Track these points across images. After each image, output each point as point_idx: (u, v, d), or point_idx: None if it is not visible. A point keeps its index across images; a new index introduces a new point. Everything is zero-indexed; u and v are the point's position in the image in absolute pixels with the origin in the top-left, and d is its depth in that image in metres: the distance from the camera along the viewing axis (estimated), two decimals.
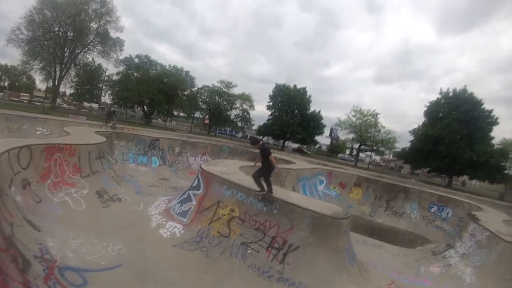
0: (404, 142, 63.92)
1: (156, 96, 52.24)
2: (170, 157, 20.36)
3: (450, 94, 46.19)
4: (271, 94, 62.86)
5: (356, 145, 64.85)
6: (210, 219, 8.71)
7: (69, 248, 6.85)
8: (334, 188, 20.76)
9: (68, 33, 46.87)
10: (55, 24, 45.76)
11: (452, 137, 42.32)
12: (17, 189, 7.83)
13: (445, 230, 15.53)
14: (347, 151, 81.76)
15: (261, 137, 68.16)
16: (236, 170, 11.43)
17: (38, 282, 5.27)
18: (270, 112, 63.46)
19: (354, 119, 60.34)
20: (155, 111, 60.62)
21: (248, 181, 9.42)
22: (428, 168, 49.78)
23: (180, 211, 9.57)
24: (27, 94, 62.21)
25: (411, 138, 49.29)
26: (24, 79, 73.71)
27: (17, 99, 53.09)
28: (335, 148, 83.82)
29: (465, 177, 51.44)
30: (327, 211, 7.78)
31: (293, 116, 61.51)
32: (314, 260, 7.22)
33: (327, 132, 71.70)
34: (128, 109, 60.49)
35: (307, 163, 27.00)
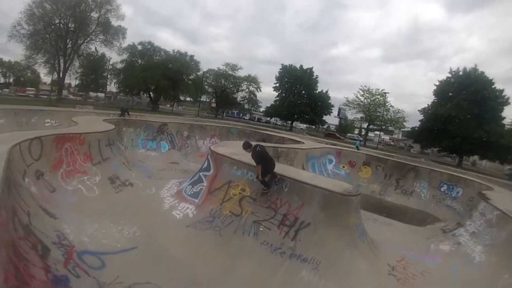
0: (413, 121, 63.03)
1: (162, 82, 52.20)
2: (179, 141, 20.45)
3: (460, 73, 45.00)
4: (277, 75, 62.18)
5: (365, 125, 64.36)
6: (221, 199, 8.81)
7: (86, 233, 7.03)
8: (344, 167, 20.68)
9: (69, 25, 46.48)
10: (55, 17, 45.36)
11: (462, 116, 41.49)
12: (31, 180, 7.95)
13: (455, 209, 15.39)
14: (356, 131, 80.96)
15: (274, 122, 67.93)
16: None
17: (58, 267, 5.43)
18: (277, 93, 62.99)
19: (362, 99, 59.80)
20: (162, 97, 60.65)
21: None
22: (438, 148, 49.12)
23: (192, 192, 9.68)
24: (33, 88, 62.26)
25: (421, 117, 48.47)
26: (29, 74, 73.94)
27: (24, 94, 53.09)
28: (344, 128, 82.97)
29: (476, 157, 50.72)
30: (337, 188, 7.74)
31: (300, 96, 60.98)
32: (325, 236, 7.26)
33: (335, 112, 70.69)
34: (134, 96, 60.59)
35: (316, 142, 26.90)
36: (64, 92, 57.43)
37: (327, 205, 7.49)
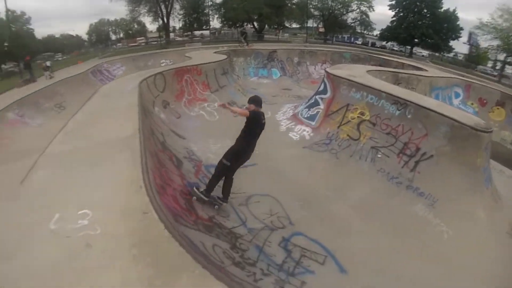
0: None
1: (264, 9, 51.03)
2: (289, 67, 20.26)
3: None
4: None
5: (502, 56, 52.68)
6: (339, 122, 8.60)
7: (210, 151, 7.88)
8: (472, 104, 16.95)
9: None
10: None
11: None
12: (160, 108, 9.21)
13: None
14: (490, 64, 66.54)
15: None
16: (363, 73, 10.58)
17: (190, 176, 6.29)
18: (393, 13, 54.93)
19: (500, 21, 48.07)
20: (266, 26, 59.76)
21: (378, 84, 8.78)
22: None
23: (308, 115, 9.72)
24: (143, 38, 67.50)
25: None
26: (135, 26, 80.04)
27: (135, 44, 57.91)
28: (474, 58, 67.77)
29: None
30: (467, 121, 6.49)
31: (421, 16, 51.32)
32: (447, 173, 6.39)
33: (464, 37, 57.97)
34: (239, 28, 61.18)
35: (440, 71, 23.30)
36: (171, 35, 61.26)
37: (453, 138, 6.44)
